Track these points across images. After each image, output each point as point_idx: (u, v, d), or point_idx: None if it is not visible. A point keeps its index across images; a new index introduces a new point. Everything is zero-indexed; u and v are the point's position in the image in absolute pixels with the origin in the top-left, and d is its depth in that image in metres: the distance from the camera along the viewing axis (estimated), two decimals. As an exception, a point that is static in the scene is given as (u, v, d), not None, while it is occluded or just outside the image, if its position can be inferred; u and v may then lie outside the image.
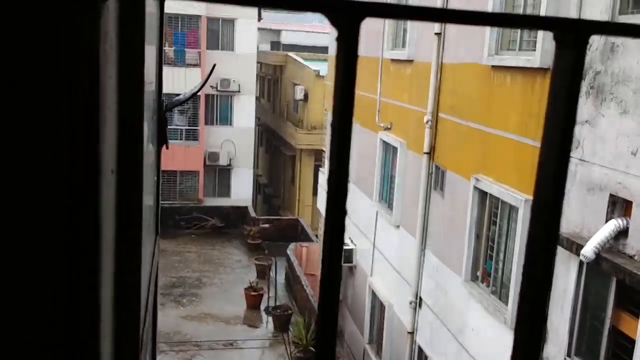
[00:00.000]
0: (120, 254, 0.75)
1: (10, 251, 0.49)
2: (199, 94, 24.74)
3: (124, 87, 0.69)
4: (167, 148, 1.74)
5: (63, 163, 0.49)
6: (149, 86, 1.40)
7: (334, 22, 0.53)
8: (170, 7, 23.68)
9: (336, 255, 0.51)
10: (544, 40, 7.13)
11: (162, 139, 1.62)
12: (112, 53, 0.62)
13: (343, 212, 0.54)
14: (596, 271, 6.25)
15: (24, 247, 0.49)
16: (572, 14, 6.66)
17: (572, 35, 0.56)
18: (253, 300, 17.41)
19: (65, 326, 0.53)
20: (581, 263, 6.37)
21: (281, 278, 19.19)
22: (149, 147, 1.40)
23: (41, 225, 0.50)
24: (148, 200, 1.36)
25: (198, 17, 24.84)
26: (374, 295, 12.99)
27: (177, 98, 2.38)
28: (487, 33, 8.39)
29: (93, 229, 0.52)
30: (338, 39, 0.54)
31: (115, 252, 0.73)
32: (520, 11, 7.99)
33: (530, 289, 0.61)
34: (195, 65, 24.95)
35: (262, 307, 17.48)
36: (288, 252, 19.10)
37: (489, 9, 8.30)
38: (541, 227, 0.60)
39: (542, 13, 7.19)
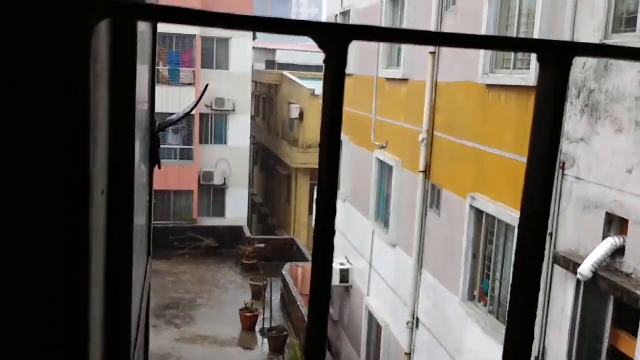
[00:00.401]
0: (111, 275, 0.74)
1: None
2: (193, 113, 24.79)
3: (116, 108, 0.69)
4: (159, 168, 1.74)
5: (52, 184, 0.48)
6: (142, 106, 1.40)
7: (321, 46, 0.53)
8: (164, 27, 23.84)
9: (326, 275, 0.51)
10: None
11: (154, 159, 1.62)
12: (103, 74, 0.62)
13: (332, 232, 0.54)
14: (594, 290, 6.23)
15: (5, 269, 0.49)
16: (566, 32, 6.73)
17: (556, 57, 0.56)
18: (248, 321, 17.26)
19: (53, 348, 0.52)
20: (578, 282, 6.36)
21: (277, 299, 19.06)
22: (141, 167, 1.39)
23: (28, 246, 0.50)
24: (140, 220, 1.35)
25: (193, 36, 25.00)
26: (370, 315, 12.90)
27: (169, 118, 2.39)
28: (482, 52, 8.47)
29: (82, 251, 0.51)
30: (326, 62, 0.54)
31: (105, 273, 0.72)
32: (514, 30, 8.08)
33: (519, 299, 0.61)
34: (190, 85, 25.04)
35: (258, 328, 17.32)
36: (284, 272, 19.00)
37: (483, 27, 8.40)
38: (530, 241, 0.60)
39: (536, 32, 7.27)
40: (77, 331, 0.52)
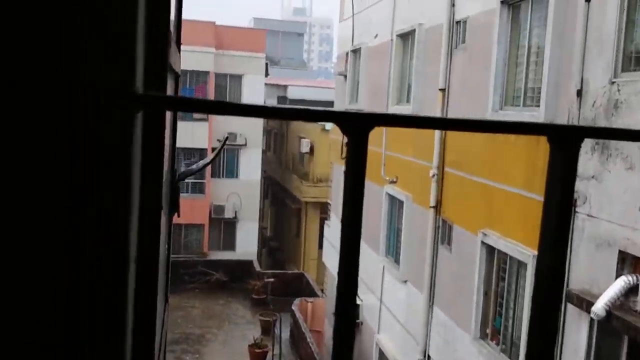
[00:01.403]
0: (134, 339, 0.77)
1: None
2: (205, 147, 25.01)
3: (145, 182, 0.74)
4: (178, 216, 1.77)
5: (94, 263, 0.52)
6: (165, 162, 1.45)
7: (345, 131, 0.57)
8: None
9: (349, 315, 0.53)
10: (548, 96, 7.25)
11: (174, 208, 1.66)
12: (137, 154, 0.66)
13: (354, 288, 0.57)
14: (607, 329, 6.14)
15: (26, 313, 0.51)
16: (575, 70, 6.78)
17: (566, 139, 0.60)
18: (257, 357, 17.06)
19: None
20: (592, 321, 6.27)
21: (286, 334, 18.87)
22: (163, 218, 1.43)
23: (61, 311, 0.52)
24: (161, 270, 1.38)
25: (206, 73, 25.40)
26: (381, 352, 12.73)
27: (190, 168, 2.44)
28: (491, 88, 8.54)
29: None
30: (348, 145, 0.58)
31: (133, 334, 0.74)
32: (523, 68, 8.15)
33: (537, 343, 0.63)
34: (203, 120, 25.34)
35: (267, 364, 17.11)
36: (293, 307, 18.84)
37: (492, 65, 8.49)
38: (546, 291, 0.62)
39: (545, 70, 7.33)
40: None
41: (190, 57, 24.58)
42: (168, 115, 1.42)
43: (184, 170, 2.41)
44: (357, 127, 0.53)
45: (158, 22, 0.77)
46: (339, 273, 0.56)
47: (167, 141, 1.42)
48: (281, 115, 0.53)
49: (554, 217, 0.63)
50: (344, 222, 0.54)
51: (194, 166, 2.63)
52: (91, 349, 0.52)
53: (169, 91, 1.34)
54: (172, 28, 1.59)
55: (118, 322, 0.52)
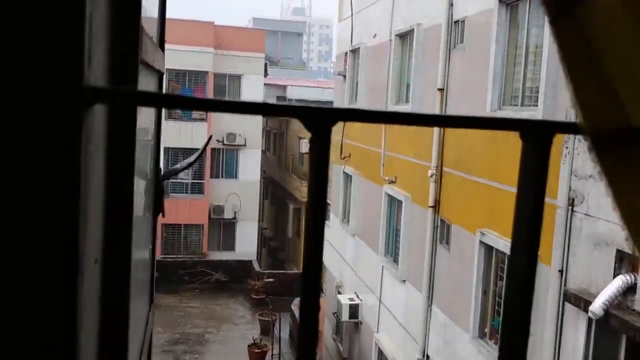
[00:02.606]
0: (105, 347, 0.75)
1: None
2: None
3: (113, 180, 0.72)
4: (163, 216, 1.76)
5: (41, 255, 0.50)
6: (148, 156, 1.44)
7: (307, 127, 0.56)
8: (177, 64, 24.27)
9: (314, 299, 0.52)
10: (546, 95, 7.24)
11: (158, 209, 1.65)
12: (98, 151, 0.65)
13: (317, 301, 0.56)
14: (605, 328, 6.13)
15: None
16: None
17: (538, 135, 0.59)
18: (257, 357, 17.07)
19: None
20: (590, 320, 6.26)
21: (285, 334, 18.86)
22: (145, 217, 1.42)
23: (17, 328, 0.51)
24: (141, 272, 1.37)
25: (205, 73, 25.40)
26: (380, 352, 12.72)
27: (174, 167, 2.43)
28: (490, 87, 8.53)
29: (71, 322, 0.52)
30: (311, 141, 0.57)
31: (99, 343, 0.73)
32: (521, 67, 8.13)
33: (510, 337, 0.62)
34: (202, 120, 25.34)
35: (267, 364, 17.11)
36: (292, 307, 18.84)
37: (490, 65, 8.48)
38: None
39: (543, 69, 7.32)
40: None
41: (189, 57, 24.60)
42: (148, 112, 1.41)
43: (168, 170, 2.40)
44: (319, 122, 0.52)
45: (126, 18, 0.76)
46: (303, 260, 0.55)
47: (147, 139, 1.41)
48: (240, 110, 0.51)
49: (527, 214, 0.63)
50: (308, 216, 0.53)
51: (178, 165, 2.62)
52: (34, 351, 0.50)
53: (150, 89, 1.34)
54: (155, 26, 1.59)
55: (67, 325, 0.50)
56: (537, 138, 0.57)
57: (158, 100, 0.49)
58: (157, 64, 1.36)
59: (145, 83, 1.21)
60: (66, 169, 0.49)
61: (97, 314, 0.72)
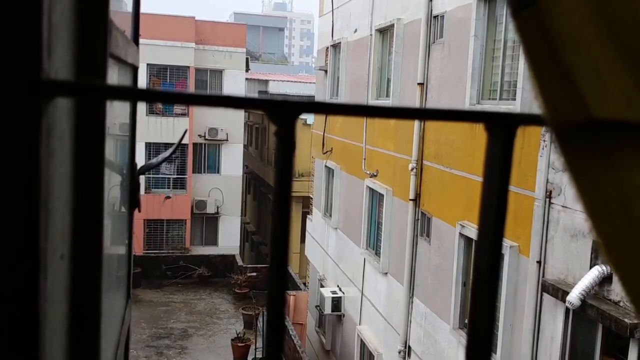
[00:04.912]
0: (75, 343, 0.75)
1: None
2: (187, 142, 24.85)
3: (81, 175, 0.72)
4: (139, 211, 1.76)
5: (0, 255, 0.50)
6: (123, 149, 1.43)
7: (272, 119, 0.56)
8: (158, 59, 24.05)
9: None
10: (524, 90, 7.32)
11: (134, 203, 1.64)
12: (61, 143, 0.64)
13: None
14: (582, 318, 6.24)
15: None
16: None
17: (502, 127, 0.60)
18: (240, 351, 17.07)
19: None
20: (567, 310, 6.36)
21: (269, 328, 18.81)
22: (119, 212, 1.41)
23: None
24: (117, 266, 1.37)
25: (186, 67, 25.21)
26: (362, 344, 12.80)
27: (149, 162, 2.41)
28: (469, 82, 8.59)
29: (32, 326, 0.51)
30: (276, 134, 0.57)
31: (68, 339, 0.72)
32: (500, 62, 8.20)
33: (477, 325, 0.62)
34: (183, 115, 25.16)
35: (250, 358, 17.12)
36: (276, 301, 18.83)
37: (469, 59, 8.54)
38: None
39: (521, 63, 7.39)
40: None
41: (170, 52, 24.39)
42: (122, 106, 1.40)
43: (144, 165, 2.39)
44: (284, 114, 0.52)
45: (92, 11, 0.76)
46: (270, 250, 0.56)
47: (121, 133, 1.40)
48: (207, 103, 0.52)
49: (491, 205, 0.64)
50: (274, 213, 0.53)
51: (154, 160, 2.62)
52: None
53: (124, 84, 1.33)
54: (128, 20, 1.57)
55: (28, 322, 0.50)
56: (502, 130, 0.58)
57: (121, 94, 0.49)
58: (131, 58, 1.35)
59: (118, 77, 1.20)
60: (24, 163, 0.48)
61: (66, 310, 0.72)
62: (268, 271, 0.57)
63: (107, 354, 1.06)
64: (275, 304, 0.53)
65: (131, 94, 0.47)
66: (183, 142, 24.70)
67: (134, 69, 1.55)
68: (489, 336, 0.60)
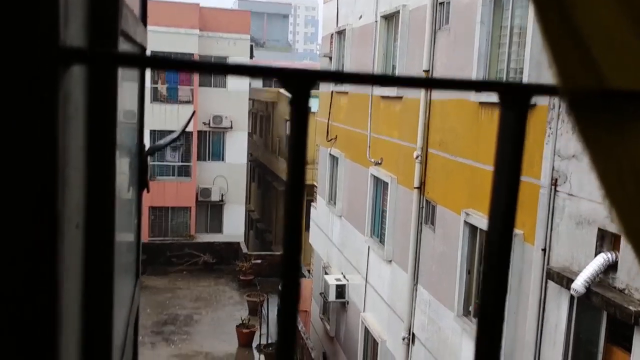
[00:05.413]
0: (89, 318, 0.75)
1: None
2: (191, 130, 24.86)
3: (94, 146, 0.72)
4: (147, 192, 1.76)
5: (20, 226, 0.50)
6: (130, 132, 1.43)
7: (287, 88, 0.56)
8: (162, 46, 23.99)
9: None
10: (530, 76, 7.27)
11: (142, 184, 1.65)
12: (77, 113, 0.65)
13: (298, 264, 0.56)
14: (587, 305, 6.24)
15: None
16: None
17: (514, 97, 0.59)
18: (245, 337, 17.18)
19: None
20: (572, 297, 6.37)
21: (273, 315, 18.95)
22: (129, 192, 1.42)
23: None
24: (127, 245, 1.37)
25: (191, 55, 25.15)
26: (366, 331, 12.86)
27: (158, 143, 2.43)
28: (474, 69, 8.55)
29: (51, 290, 0.52)
30: (291, 103, 0.58)
31: (82, 316, 0.73)
32: (506, 48, 8.15)
33: (489, 307, 0.62)
34: (187, 102, 25.14)
35: (254, 344, 17.24)
36: (280, 288, 18.91)
37: (475, 46, 8.48)
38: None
39: (527, 50, 7.34)
40: None
41: (174, 40, 24.33)
42: (131, 86, 1.40)
43: (152, 146, 2.39)
44: (299, 83, 0.53)
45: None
46: (284, 229, 0.56)
47: (130, 113, 1.40)
48: (219, 71, 0.52)
49: (505, 176, 0.63)
50: (287, 182, 0.54)
51: (162, 141, 2.62)
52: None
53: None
54: (137, 1, 1.57)
55: (48, 288, 0.51)
56: (515, 100, 0.58)
57: (136, 61, 0.49)
58: (139, 37, 1.35)
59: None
60: (43, 129, 0.49)
61: (80, 278, 0.73)
62: (283, 230, 0.57)
63: (118, 330, 1.07)
64: (289, 284, 0.53)
65: (142, 61, 0.48)
66: (187, 129, 24.71)
67: (142, 50, 1.55)
68: (500, 319, 0.60)
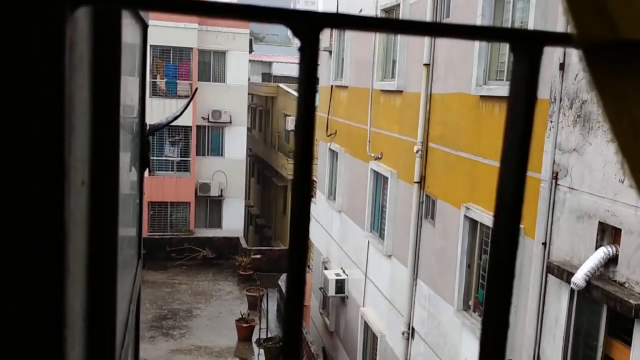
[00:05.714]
0: (93, 275, 0.74)
1: None
2: (190, 124, 24.81)
3: (98, 98, 0.71)
4: (149, 173, 1.75)
5: (25, 171, 0.49)
6: (131, 110, 1.42)
7: (295, 33, 0.55)
8: (161, 40, 23.94)
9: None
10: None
11: (144, 163, 1.64)
12: (82, 64, 0.63)
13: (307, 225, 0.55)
14: (587, 299, 6.24)
15: None
16: (560, 24, 6.78)
17: (527, 46, 0.58)
18: (244, 332, 17.19)
19: (27, 354, 0.50)
20: (572, 291, 6.37)
21: (273, 309, 18.99)
22: (131, 170, 1.40)
23: None
24: (128, 221, 1.36)
25: (189, 49, 25.10)
26: (366, 325, 12.86)
27: (159, 122, 2.40)
28: (475, 63, 8.53)
29: (58, 244, 0.51)
30: (300, 49, 0.56)
31: (86, 270, 0.72)
32: (506, 46, 8.12)
33: (494, 299, 0.61)
34: (186, 97, 25.09)
35: (254, 339, 17.25)
36: (280, 282, 18.95)
37: (476, 45, 8.45)
38: (503, 235, 0.60)
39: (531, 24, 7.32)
40: (52, 337, 0.51)
41: (174, 34, 24.26)
42: (131, 64, 1.39)
43: (154, 124, 2.38)
44: (308, 27, 0.51)
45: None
46: (292, 188, 0.54)
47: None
48: (224, 14, 0.50)
49: (517, 131, 0.62)
50: (297, 137, 0.52)
51: (164, 119, 2.60)
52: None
53: (136, 40, 1.31)
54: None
55: (55, 238, 0.49)
56: (527, 48, 0.57)
57: (138, 2, 0.47)
58: (143, 14, 1.33)
59: (131, 34, 1.18)
60: (51, 69, 0.47)
61: (85, 233, 0.71)
62: (292, 195, 0.55)
63: (122, 305, 1.06)
64: (295, 273, 0.52)
65: (147, 3, 0.46)
66: (186, 124, 24.68)
67: (144, 27, 1.53)
68: (506, 313, 0.59)
